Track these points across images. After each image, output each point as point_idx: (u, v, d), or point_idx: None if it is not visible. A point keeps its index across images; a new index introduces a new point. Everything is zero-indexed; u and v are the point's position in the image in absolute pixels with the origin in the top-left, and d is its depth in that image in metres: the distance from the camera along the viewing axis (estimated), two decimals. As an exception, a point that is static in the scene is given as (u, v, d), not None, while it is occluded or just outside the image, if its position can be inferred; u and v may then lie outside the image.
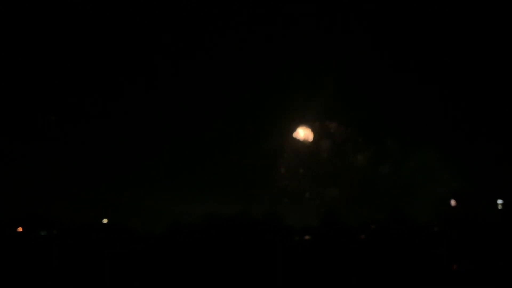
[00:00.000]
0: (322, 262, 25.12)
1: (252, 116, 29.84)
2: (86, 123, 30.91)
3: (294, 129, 28.25)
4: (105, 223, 28.04)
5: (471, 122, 27.55)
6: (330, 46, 27.95)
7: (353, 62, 27.87)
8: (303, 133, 27.25)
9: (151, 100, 30.77)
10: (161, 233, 27.46)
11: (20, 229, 27.41)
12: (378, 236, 27.45)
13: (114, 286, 22.48)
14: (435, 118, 27.79)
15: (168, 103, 30.54)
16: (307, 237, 29.11)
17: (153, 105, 30.73)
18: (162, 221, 27.76)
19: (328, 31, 28.19)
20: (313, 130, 27.83)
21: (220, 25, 29.03)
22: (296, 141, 27.83)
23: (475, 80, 27.28)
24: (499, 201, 27.21)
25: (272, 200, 28.64)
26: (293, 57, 29.70)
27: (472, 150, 27.52)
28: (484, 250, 24.01)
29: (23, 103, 29.69)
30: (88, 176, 29.70)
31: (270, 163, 28.82)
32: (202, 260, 25.22)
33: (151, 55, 30.09)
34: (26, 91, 29.60)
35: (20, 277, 21.90)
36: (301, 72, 29.48)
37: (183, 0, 29.09)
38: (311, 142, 27.63)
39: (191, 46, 30.00)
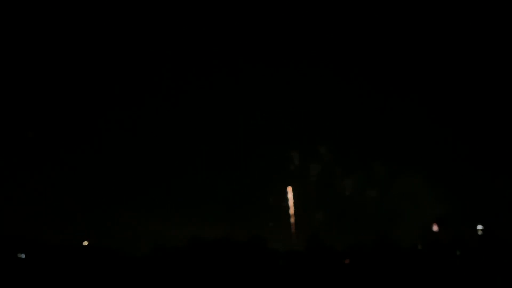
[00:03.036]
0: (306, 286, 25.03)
1: (238, 139, 29.74)
2: (65, 141, 30.30)
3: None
4: (86, 245, 27.29)
5: (456, 149, 28.19)
6: (321, 75, 28.35)
7: (342, 90, 28.30)
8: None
9: (133, 121, 30.46)
10: (143, 256, 26.82)
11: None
12: (363, 260, 27.47)
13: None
14: (422, 144, 28.28)
15: (150, 126, 30.31)
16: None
17: (135, 128, 30.44)
18: (145, 244, 27.17)
19: (318, 61, 28.54)
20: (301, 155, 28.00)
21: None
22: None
23: (459, 109, 28.02)
24: (479, 227, 27.72)
25: (257, 223, 28.50)
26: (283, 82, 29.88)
27: (456, 177, 28.10)
28: (465, 273, 24.48)
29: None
30: (68, 196, 28.95)
31: (255, 186, 28.78)
32: (186, 284, 24.78)
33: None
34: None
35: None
36: (288, 97, 29.66)
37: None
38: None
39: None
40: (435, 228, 28.04)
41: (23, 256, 26.08)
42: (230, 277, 25.30)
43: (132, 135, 30.57)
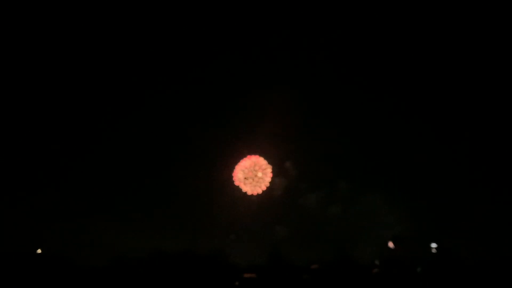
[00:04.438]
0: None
1: (203, 150, 29.36)
2: (23, 146, 28.88)
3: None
4: (39, 253, 25.85)
5: (416, 171, 29.11)
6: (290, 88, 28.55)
7: (310, 105, 28.62)
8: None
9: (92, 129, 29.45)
10: (103, 266, 25.75)
11: None
12: (321, 276, 27.63)
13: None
14: (385, 165, 29.01)
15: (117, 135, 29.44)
16: (250, 275, 28.57)
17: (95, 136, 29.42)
18: (106, 254, 26.12)
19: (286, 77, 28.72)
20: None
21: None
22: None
23: (423, 134, 29.01)
24: (433, 245, 28.63)
25: (219, 236, 28.19)
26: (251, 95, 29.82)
27: (416, 198, 29.02)
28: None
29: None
30: (23, 203, 27.42)
31: (218, 200, 28.54)
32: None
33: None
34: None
35: None
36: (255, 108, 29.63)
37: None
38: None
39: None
40: (390, 245, 28.74)
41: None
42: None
43: (92, 143, 29.57)
